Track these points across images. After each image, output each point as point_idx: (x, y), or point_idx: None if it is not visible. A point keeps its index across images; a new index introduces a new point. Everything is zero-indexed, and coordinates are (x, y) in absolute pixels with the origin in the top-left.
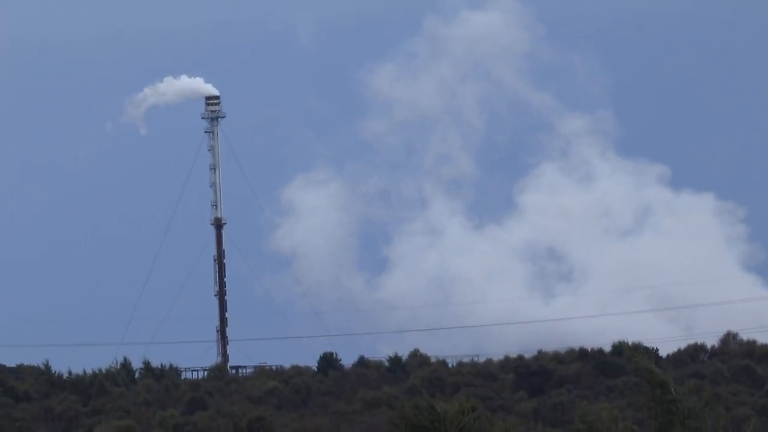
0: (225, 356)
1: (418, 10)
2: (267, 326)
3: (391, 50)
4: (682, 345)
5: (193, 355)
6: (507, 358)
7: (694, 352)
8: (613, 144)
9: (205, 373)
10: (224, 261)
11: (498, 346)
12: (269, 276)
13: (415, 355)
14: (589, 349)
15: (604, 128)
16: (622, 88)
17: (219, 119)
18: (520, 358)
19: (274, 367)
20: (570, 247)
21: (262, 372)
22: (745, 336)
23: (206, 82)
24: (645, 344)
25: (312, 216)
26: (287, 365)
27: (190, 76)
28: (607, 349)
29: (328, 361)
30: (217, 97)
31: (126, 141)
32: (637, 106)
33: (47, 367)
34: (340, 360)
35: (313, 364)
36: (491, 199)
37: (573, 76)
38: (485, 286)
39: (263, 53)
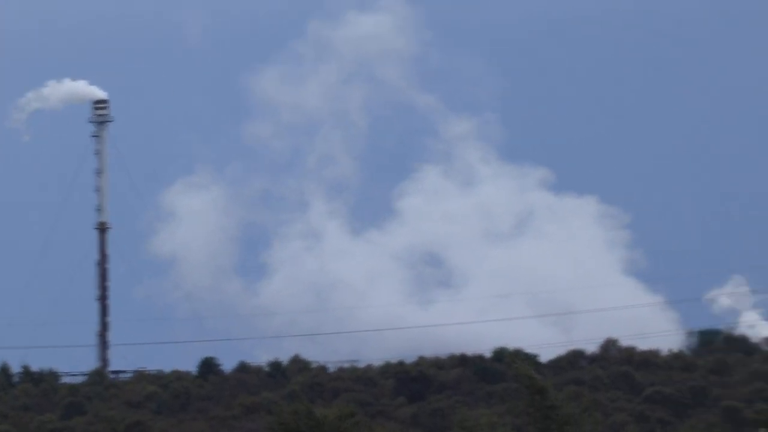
0: (105, 361)
1: (305, 11)
2: (148, 331)
3: (277, 52)
4: (562, 351)
5: (72, 360)
6: (387, 364)
7: (574, 358)
8: (497, 148)
9: (84, 377)
10: (107, 265)
11: (378, 352)
12: (151, 280)
13: (296, 360)
14: (470, 355)
15: (488, 132)
16: (508, 93)
17: (106, 123)
18: (401, 363)
19: (153, 372)
20: (451, 252)
21: (141, 376)
22: (624, 342)
23: (91, 84)
24: (525, 350)
25: (194, 220)
26: (167, 370)
27: (73, 79)
28: (488, 355)
29: (208, 365)
30: (105, 101)
31: (11, 146)
32: (522, 111)
33: None
34: (221, 365)
35: (194, 368)
36: (373, 202)
37: (459, 80)
38: (365, 291)
39: (150, 54)
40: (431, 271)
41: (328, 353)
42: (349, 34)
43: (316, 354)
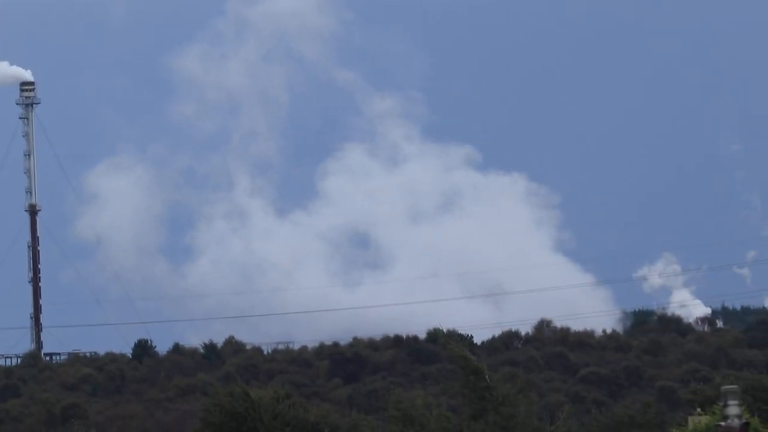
0: (39, 343)
1: None
2: (81, 313)
3: (199, 31)
4: (497, 332)
5: (6, 342)
6: (322, 345)
7: (508, 339)
8: (422, 126)
9: (19, 360)
10: (38, 248)
11: (309, 333)
12: (84, 263)
13: (230, 342)
14: (404, 336)
15: (412, 110)
16: (433, 71)
17: (34, 105)
18: (336, 345)
19: (88, 354)
20: (378, 232)
21: (76, 359)
22: (558, 323)
23: (13, 64)
24: (460, 331)
25: (119, 201)
26: (102, 352)
27: None
28: (422, 336)
29: (142, 347)
30: (32, 83)
31: None
32: (448, 89)
33: None
34: (155, 347)
35: (128, 351)
36: (298, 182)
37: (382, 58)
38: (292, 272)
39: (74, 34)
40: (359, 252)
41: (260, 335)
42: (269, 12)
43: (248, 336)
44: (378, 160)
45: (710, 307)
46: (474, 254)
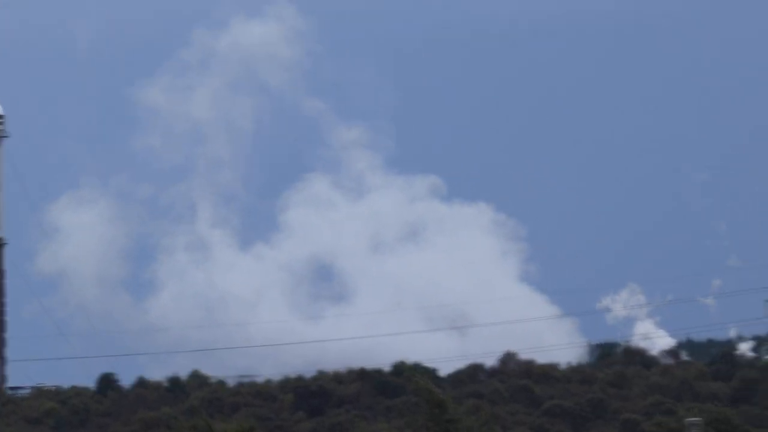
0: (2, 377)
1: (191, 20)
2: (46, 346)
3: (164, 61)
4: (462, 365)
5: None
6: (286, 379)
7: (473, 371)
8: (387, 157)
9: None
10: (4, 281)
11: (273, 367)
12: (49, 296)
13: (195, 375)
14: (369, 369)
15: (378, 141)
16: (398, 102)
17: (2, 138)
18: (300, 378)
19: (52, 388)
20: (342, 264)
21: (39, 393)
22: (523, 356)
23: None
24: (425, 364)
25: (82, 234)
26: (66, 386)
27: None
28: (387, 369)
29: (107, 381)
30: (1, 116)
31: None
32: (413, 120)
33: None
34: (119, 380)
35: (92, 384)
36: (262, 213)
37: (348, 89)
38: (256, 306)
39: (40, 65)
40: (322, 284)
41: (224, 368)
42: (235, 43)
43: (212, 369)
44: (342, 191)
45: (675, 338)
46: (439, 286)
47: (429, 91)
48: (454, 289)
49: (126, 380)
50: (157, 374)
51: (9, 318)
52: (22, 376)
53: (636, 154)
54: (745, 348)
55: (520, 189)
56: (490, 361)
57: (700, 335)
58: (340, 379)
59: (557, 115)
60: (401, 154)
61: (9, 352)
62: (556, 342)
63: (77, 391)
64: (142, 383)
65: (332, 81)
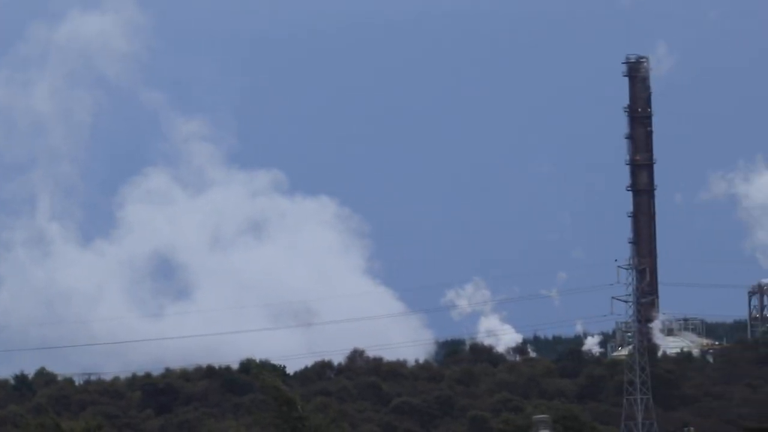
0: None
1: (28, 13)
2: None
3: (2, 56)
4: (309, 362)
5: None
6: (134, 376)
7: (321, 369)
8: (228, 151)
9: None
10: None
11: (117, 364)
12: None
13: (42, 373)
14: (217, 367)
15: (219, 136)
16: (242, 97)
17: None
18: (148, 375)
19: None
20: (184, 260)
21: None
22: (371, 353)
23: None
24: (273, 361)
25: None
26: None
27: None
28: (235, 366)
29: None
30: None
31: None
32: (256, 115)
33: None
34: None
35: None
36: (101, 208)
37: (189, 83)
38: (98, 302)
39: None
40: (165, 280)
41: (69, 366)
42: (73, 35)
43: (57, 367)
44: (183, 185)
45: (522, 334)
46: (282, 281)
47: (272, 86)
48: (298, 284)
49: None
50: (3, 372)
51: None
52: None
53: (479, 149)
54: (591, 344)
55: (364, 184)
56: (338, 358)
57: (547, 332)
58: (187, 376)
59: (401, 112)
60: (243, 148)
61: None
62: (403, 339)
63: None
64: None
65: (172, 74)
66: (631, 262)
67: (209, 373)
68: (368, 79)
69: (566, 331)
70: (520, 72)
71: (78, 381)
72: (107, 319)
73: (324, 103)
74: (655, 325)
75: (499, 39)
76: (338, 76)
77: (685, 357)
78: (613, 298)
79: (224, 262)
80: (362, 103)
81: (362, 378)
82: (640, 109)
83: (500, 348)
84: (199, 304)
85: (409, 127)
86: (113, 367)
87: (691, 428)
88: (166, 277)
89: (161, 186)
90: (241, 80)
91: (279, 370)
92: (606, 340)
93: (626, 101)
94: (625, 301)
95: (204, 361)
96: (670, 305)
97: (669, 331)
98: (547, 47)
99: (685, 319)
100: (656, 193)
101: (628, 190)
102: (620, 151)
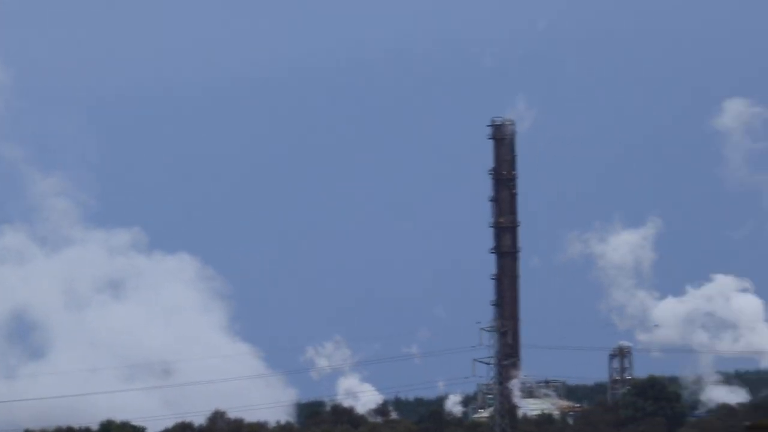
0: None
1: None
2: None
3: None
4: (170, 423)
5: None
6: None
7: (182, 430)
8: (88, 209)
9: None
10: None
11: None
12: None
13: None
14: (77, 428)
15: (78, 194)
16: (101, 154)
17: None
18: None
19: None
20: (39, 319)
21: None
22: (232, 414)
23: None
24: (133, 423)
25: None
26: None
27: None
28: (95, 427)
29: None
30: None
31: None
32: (116, 172)
33: None
34: None
35: None
36: None
37: (48, 140)
38: None
39: None
40: (19, 341)
41: None
42: None
43: None
44: (39, 243)
45: (383, 395)
46: (141, 340)
47: (132, 144)
48: (157, 343)
49: None
50: None
51: None
52: None
53: (340, 208)
54: (453, 403)
55: (225, 241)
56: (199, 419)
57: (409, 393)
58: None
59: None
60: (102, 206)
61: None
62: (264, 400)
63: None
64: None
65: (32, 131)
66: (494, 324)
67: None
68: (230, 138)
69: (428, 393)
70: (383, 132)
71: None
72: None
73: (182, 160)
74: (515, 387)
75: (364, 98)
76: (199, 134)
77: (545, 419)
78: (475, 360)
79: (81, 321)
80: (223, 161)
81: None
82: (504, 172)
83: (361, 409)
84: (55, 364)
85: (271, 186)
86: None
87: None
88: (21, 338)
89: (17, 244)
90: (100, 138)
91: (139, 431)
92: (468, 402)
93: (491, 164)
94: (487, 363)
95: (63, 422)
96: (532, 367)
97: (529, 393)
98: (411, 109)
99: (547, 381)
100: (519, 255)
101: (492, 253)
102: (485, 212)
